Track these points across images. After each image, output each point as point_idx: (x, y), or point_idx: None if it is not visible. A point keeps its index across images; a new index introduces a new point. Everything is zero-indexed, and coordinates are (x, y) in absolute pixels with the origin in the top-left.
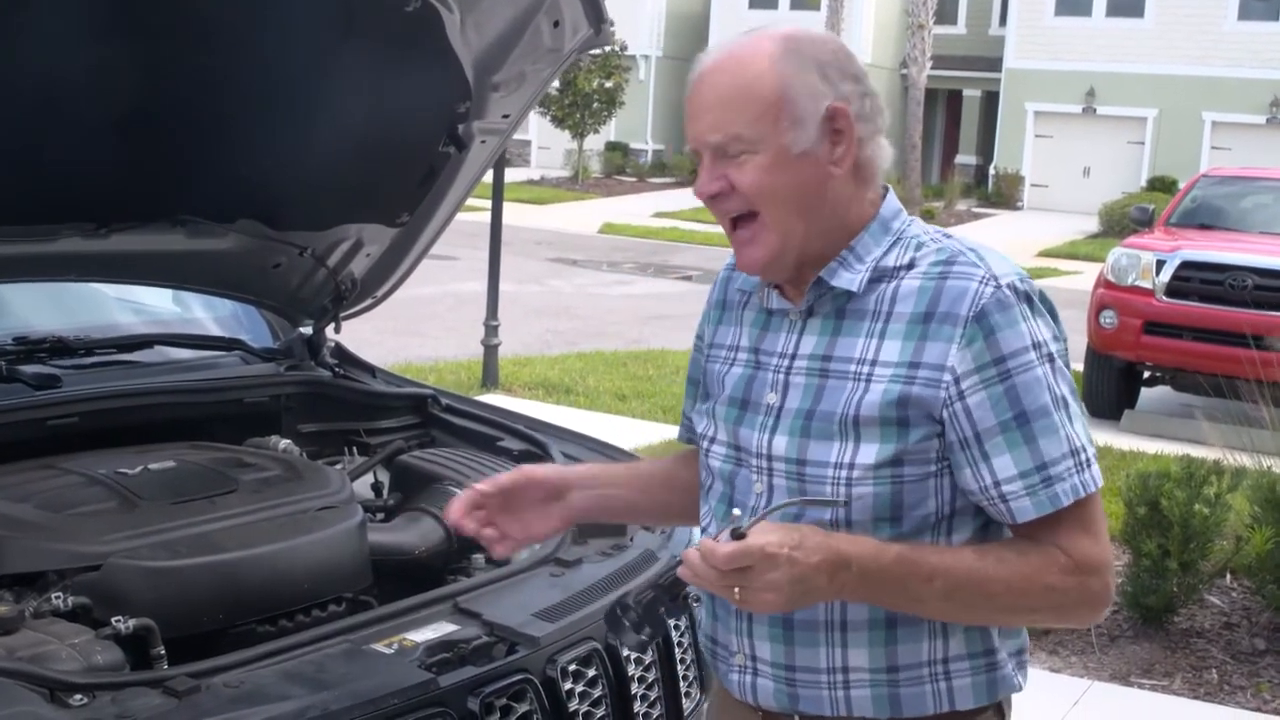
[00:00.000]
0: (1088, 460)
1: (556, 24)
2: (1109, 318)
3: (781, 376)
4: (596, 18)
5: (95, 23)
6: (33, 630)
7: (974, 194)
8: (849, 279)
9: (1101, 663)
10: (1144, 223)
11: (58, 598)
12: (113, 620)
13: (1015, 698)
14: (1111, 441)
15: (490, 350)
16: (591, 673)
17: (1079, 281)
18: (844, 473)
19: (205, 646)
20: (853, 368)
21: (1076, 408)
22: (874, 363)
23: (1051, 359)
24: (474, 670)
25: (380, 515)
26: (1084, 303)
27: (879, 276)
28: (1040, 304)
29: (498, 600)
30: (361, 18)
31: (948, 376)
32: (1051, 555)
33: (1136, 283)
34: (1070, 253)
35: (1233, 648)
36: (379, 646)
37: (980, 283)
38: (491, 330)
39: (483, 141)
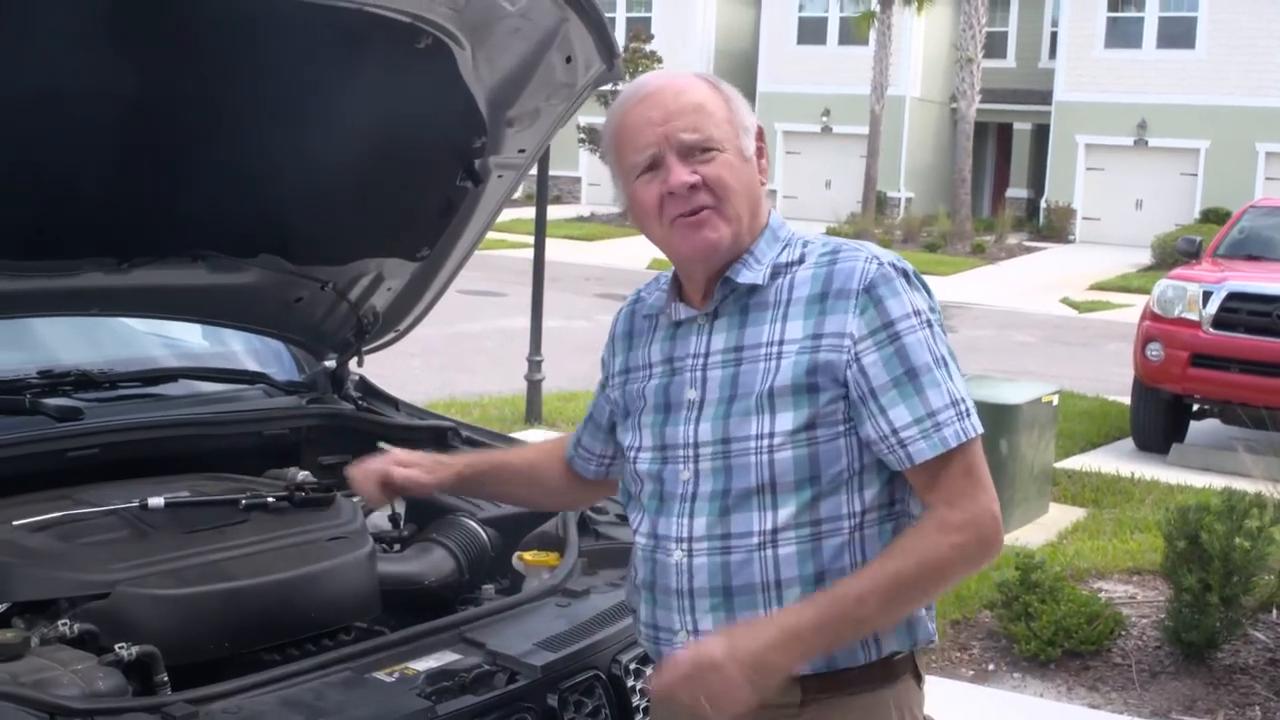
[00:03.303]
0: (967, 410)
1: (569, 59)
2: (1155, 350)
3: (698, 374)
4: (609, 53)
5: (110, 59)
6: (38, 656)
7: (1025, 227)
8: (752, 275)
9: (1142, 699)
10: (1191, 254)
11: (64, 625)
12: (116, 647)
13: None
14: (1159, 475)
15: (534, 385)
16: (594, 702)
17: (1131, 315)
18: (765, 442)
19: (212, 674)
20: (762, 350)
21: (955, 367)
22: (781, 342)
23: (929, 324)
24: (473, 699)
25: (396, 546)
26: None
27: (777, 273)
28: (915, 280)
29: (503, 630)
30: (374, 55)
31: (847, 341)
32: (937, 518)
33: (1183, 314)
34: (1122, 285)
35: (1277, 684)
36: (380, 675)
37: (865, 261)
38: (535, 365)
39: (500, 176)
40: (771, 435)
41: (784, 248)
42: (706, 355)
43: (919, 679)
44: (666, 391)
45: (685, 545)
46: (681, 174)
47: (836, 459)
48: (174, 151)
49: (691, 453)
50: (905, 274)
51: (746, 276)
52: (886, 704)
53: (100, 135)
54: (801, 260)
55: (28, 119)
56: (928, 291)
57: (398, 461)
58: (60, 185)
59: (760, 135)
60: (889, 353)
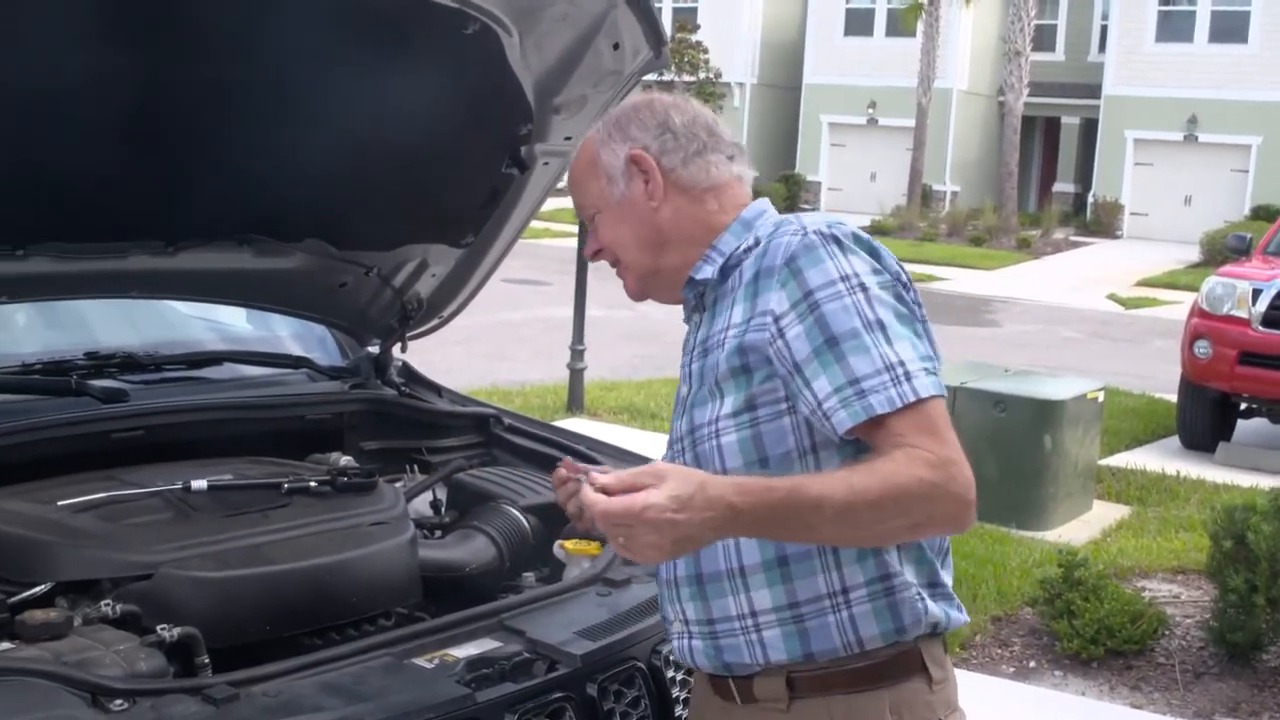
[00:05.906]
0: (906, 374)
1: (616, 46)
2: (1203, 348)
3: (687, 369)
4: (656, 40)
5: (158, 44)
6: (81, 636)
7: (1072, 222)
8: (707, 270)
9: (1185, 700)
10: (1241, 251)
11: (107, 605)
12: (158, 628)
13: None
14: (1205, 474)
15: (576, 374)
16: (633, 692)
17: (1179, 311)
18: (713, 427)
19: (253, 657)
20: (716, 339)
21: (902, 330)
22: (727, 328)
23: (864, 289)
24: (512, 687)
25: (438, 532)
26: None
27: (735, 262)
28: (854, 245)
29: (543, 618)
30: (421, 40)
31: (769, 319)
32: (912, 452)
33: (1232, 312)
34: (1170, 282)
35: None
36: (420, 661)
37: (791, 235)
38: (577, 354)
39: (545, 164)
40: (718, 420)
41: (753, 235)
42: (692, 350)
43: (930, 681)
44: (677, 389)
45: None
46: (587, 247)
47: (782, 439)
48: (221, 137)
49: (680, 445)
50: (836, 239)
51: (705, 272)
52: (881, 705)
53: (149, 120)
54: (756, 244)
55: (76, 104)
56: (875, 255)
57: None
58: (109, 169)
59: (637, 159)
60: (810, 323)
